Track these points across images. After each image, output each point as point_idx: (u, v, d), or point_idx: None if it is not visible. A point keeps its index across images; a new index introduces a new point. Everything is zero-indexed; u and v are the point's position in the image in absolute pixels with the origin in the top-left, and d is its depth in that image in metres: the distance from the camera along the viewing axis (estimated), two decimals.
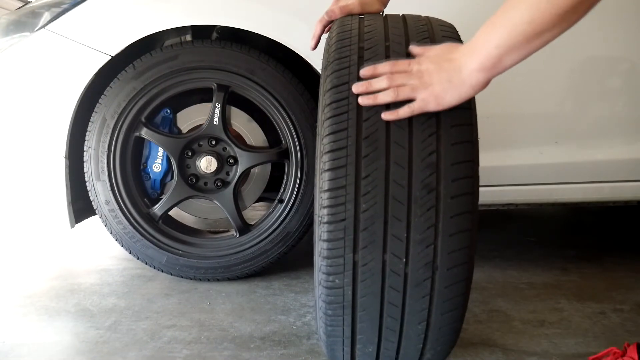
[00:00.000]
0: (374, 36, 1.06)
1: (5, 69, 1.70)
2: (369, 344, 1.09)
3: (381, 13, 1.25)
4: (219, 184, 1.85)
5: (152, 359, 1.35)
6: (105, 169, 1.77)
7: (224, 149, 1.84)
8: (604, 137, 1.78)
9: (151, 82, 1.74)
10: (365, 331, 1.06)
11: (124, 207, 1.79)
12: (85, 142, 1.77)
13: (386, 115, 0.96)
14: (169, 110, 1.84)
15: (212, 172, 1.83)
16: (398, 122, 0.97)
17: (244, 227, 1.86)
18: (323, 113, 0.99)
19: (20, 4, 3.97)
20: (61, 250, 2.37)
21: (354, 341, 1.09)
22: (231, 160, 1.84)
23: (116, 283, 1.91)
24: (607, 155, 1.78)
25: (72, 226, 1.79)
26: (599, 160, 1.78)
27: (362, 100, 0.98)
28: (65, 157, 1.73)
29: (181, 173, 1.82)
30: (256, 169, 1.91)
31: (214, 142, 1.83)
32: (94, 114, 1.76)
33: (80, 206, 1.85)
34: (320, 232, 0.98)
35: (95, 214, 1.86)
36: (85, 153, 1.77)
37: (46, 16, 1.69)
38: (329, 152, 0.97)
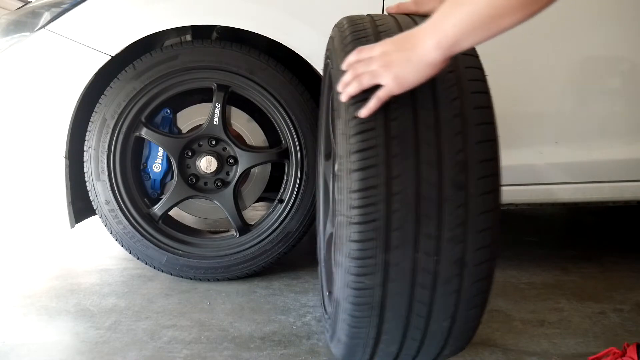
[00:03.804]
0: (389, 36, 1.04)
1: (5, 69, 1.70)
2: (392, 344, 1.08)
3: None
4: (219, 184, 1.85)
5: (152, 359, 1.35)
6: (105, 169, 1.77)
7: (224, 149, 1.85)
8: (604, 137, 1.78)
9: (151, 82, 1.74)
10: (390, 331, 1.05)
11: (124, 207, 1.79)
12: (85, 142, 1.77)
13: (361, 112, 0.96)
14: (169, 110, 1.84)
15: (212, 172, 1.83)
16: (425, 121, 0.96)
17: (244, 227, 1.86)
18: (347, 112, 0.98)
19: (20, 4, 3.97)
20: (61, 250, 2.37)
21: (377, 342, 1.07)
22: (231, 160, 1.84)
23: (116, 283, 1.91)
24: (607, 155, 1.78)
25: (72, 226, 1.79)
26: (599, 160, 1.78)
27: (340, 98, 1.00)
28: (65, 157, 1.73)
29: (181, 173, 1.82)
30: (256, 169, 1.91)
31: (214, 142, 1.83)
32: (94, 114, 1.76)
33: (80, 206, 1.85)
34: (350, 232, 0.96)
35: (95, 214, 1.86)
36: (85, 153, 1.77)
37: (46, 16, 1.69)
38: (358, 151, 0.95)
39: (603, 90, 1.79)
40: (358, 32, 1.08)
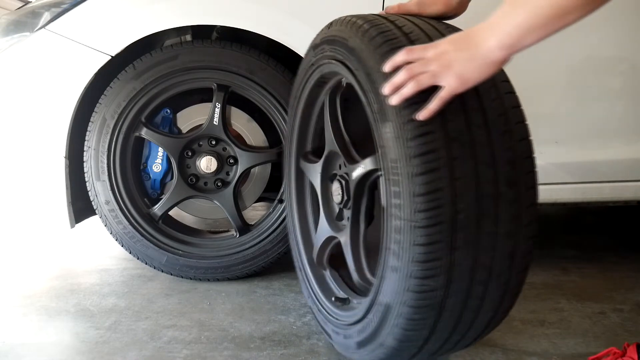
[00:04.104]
0: (418, 36, 1.05)
1: (5, 69, 1.70)
2: (439, 341, 1.09)
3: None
4: (219, 184, 1.85)
5: (152, 359, 1.35)
6: (105, 169, 1.77)
7: (224, 149, 1.85)
8: (604, 137, 1.78)
9: (151, 82, 1.74)
10: (442, 329, 1.06)
11: (124, 207, 1.79)
12: (85, 142, 1.77)
13: (421, 114, 0.95)
14: (169, 110, 1.84)
15: (212, 172, 1.83)
16: (475, 122, 0.98)
17: (244, 227, 1.86)
18: (399, 115, 0.97)
19: (20, 4, 3.97)
20: (61, 250, 2.37)
21: (427, 342, 1.08)
22: (231, 160, 1.84)
23: (116, 283, 1.91)
24: (607, 155, 1.77)
25: (72, 226, 1.79)
26: (599, 160, 1.78)
27: (391, 100, 0.97)
28: (65, 157, 1.73)
29: (181, 173, 1.82)
30: (256, 169, 1.91)
31: (214, 142, 1.83)
32: (94, 114, 1.76)
33: (80, 206, 1.85)
34: (415, 237, 0.96)
35: (95, 214, 1.86)
36: (85, 153, 1.77)
37: (46, 16, 1.69)
38: (420, 155, 0.95)
39: (603, 91, 1.79)
40: (385, 32, 1.06)
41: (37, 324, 1.57)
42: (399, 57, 0.98)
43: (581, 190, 1.80)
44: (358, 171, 1.23)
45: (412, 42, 1.03)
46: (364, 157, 1.23)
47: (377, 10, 1.63)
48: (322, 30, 1.31)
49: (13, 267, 2.13)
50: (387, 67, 0.99)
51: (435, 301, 1.00)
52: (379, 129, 1.02)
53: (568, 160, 1.77)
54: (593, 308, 1.64)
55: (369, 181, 1.24)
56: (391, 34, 1.06)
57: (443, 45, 0.95)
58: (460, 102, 0.98)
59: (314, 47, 1.34)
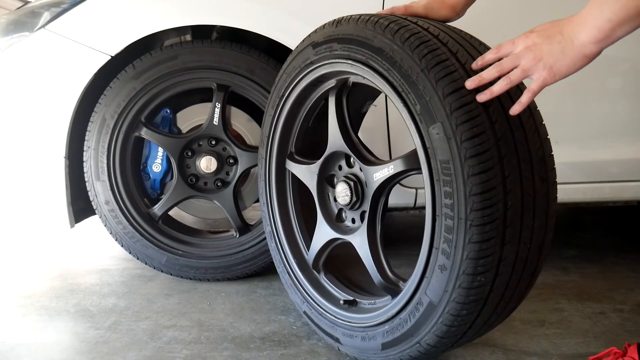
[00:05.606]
0: (448, 39, 1.07)
1: (5, 69, 1.70)
2: (472, 334, 1.13)
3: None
4: (219, 184, 1.85)
5: (152, 359, 1.35)
6: (105, 169, 1.77)
7: (224, 149, 1.85)
8: (604, 137, 1.78)
9: (151, 82, 1.74)
10: (479, 323, 1.09)
11: (123, 207, 1.79)
12: (85, 142, 1.77)
13: (514, 109, 0.98)
14: (168, 110, 1.84)
15: (212, 172, 1.83)
16: (514, 122, 1.02)
17: (244, 227, 1.86)
18: (452, 117, 0.99)
19: (20, 4, 3.97)
20: (61, 250, 2.37)
21: (464, 335, 1.11)
22: (231, 160, 1.84)
23: (116, 283, 1.91)
24: (607, 155, 1.77)
25: (72, 226, 1.79)
26: (599, 160, 1.78)
27: (479, 97, 0.98)
28: (65, 157, 1.73)
29: (181, 173, 1.82)
30: (256, 169, 1.91)
31: (214, 142, 1.83)
32: (93, 114, 1.76)
33: (80, 206, 1.85)
34: (471, 235, 0.99)
35: (95, 214, 1.86)
36: (85, 153, 1.77)
37: (46, 16, 1.69)
38: (474, 156, 0.98)
39: (603, 90, 1.78)
40: (417, 34, 1.07)
41: (37, 324, 1.57)
42: (490, 55, 1.00)
43: (581, 190, 1.80)
44: (383, 172, 1.20)
45: (444, 44, 1.05)
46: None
47: (377, 10, 1.63)
48: (325, 28, 1.28)
49: (13, 267, 2.13)
50: (476, 65, 1.01)
51: (483, 296, 1.03)
52: (424, 130, 1.03)
53: (568, 160, 1.77)
54: (593, 308, 1.64)
55: (394, 182, 1.23)
56: (423, 35, 1.07)
57: (532, 37, 0.96)
58: (498, 102, 1.00)
59: (314, 45, 1.29)
